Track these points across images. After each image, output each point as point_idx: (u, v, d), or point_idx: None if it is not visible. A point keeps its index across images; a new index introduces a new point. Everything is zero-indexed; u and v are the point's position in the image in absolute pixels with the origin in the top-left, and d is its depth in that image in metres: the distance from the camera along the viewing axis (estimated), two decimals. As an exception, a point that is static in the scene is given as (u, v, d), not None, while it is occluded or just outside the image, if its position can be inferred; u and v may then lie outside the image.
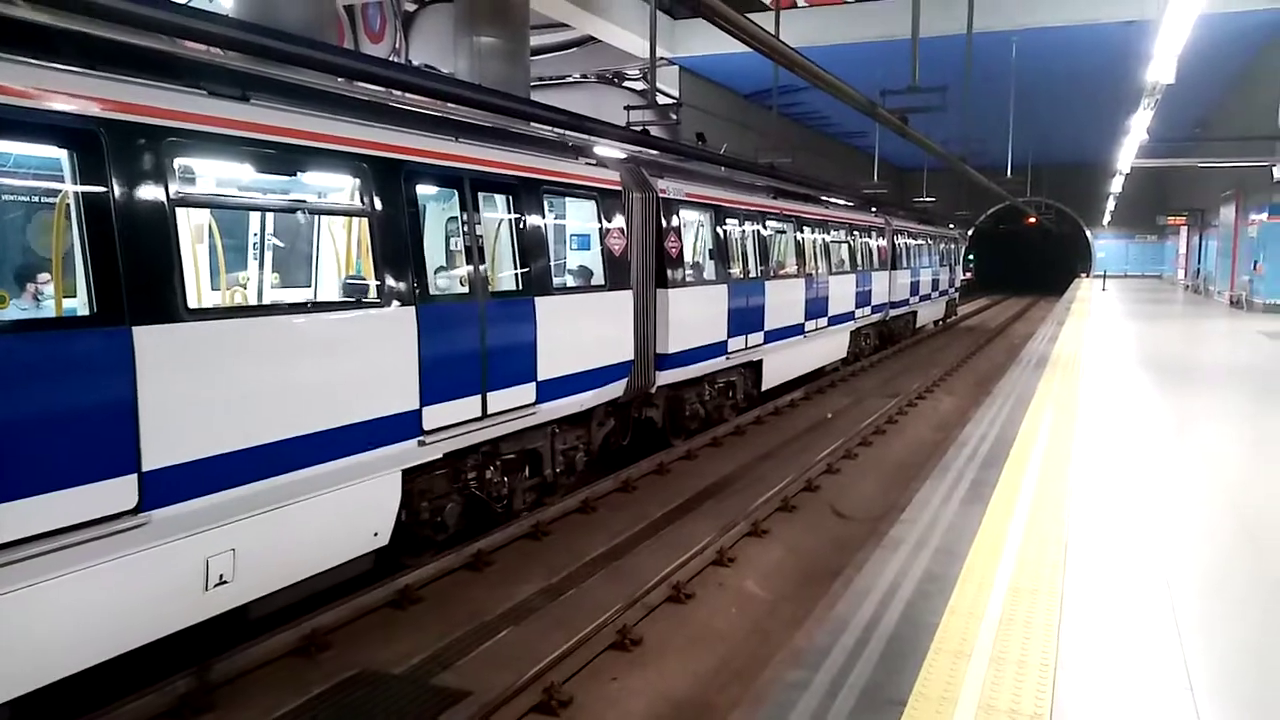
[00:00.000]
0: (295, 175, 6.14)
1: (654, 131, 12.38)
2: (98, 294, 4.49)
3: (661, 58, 22.62)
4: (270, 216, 7.46)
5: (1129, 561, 5.40)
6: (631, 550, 7.84)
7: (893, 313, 22.77)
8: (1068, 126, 35.26)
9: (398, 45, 22.43)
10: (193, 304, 5.29)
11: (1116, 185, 34.12)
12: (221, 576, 5.20)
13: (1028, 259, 58.93)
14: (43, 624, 4.36)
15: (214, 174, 6.10)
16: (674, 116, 14.71)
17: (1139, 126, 18.80)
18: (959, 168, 20.87)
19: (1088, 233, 53.98)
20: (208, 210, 6.62)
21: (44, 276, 5.45)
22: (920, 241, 26.03)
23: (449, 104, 7.30)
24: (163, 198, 4.83)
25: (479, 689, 5.22)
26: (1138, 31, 17.07)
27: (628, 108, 13.86)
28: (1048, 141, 37.31)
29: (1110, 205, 44.43)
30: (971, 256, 54.63)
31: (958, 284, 34.51)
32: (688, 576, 7.04)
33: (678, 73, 25.16)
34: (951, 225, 34.68)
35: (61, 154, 4.52)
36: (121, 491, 4.56)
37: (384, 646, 5.94)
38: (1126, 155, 23.04)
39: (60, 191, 4.68)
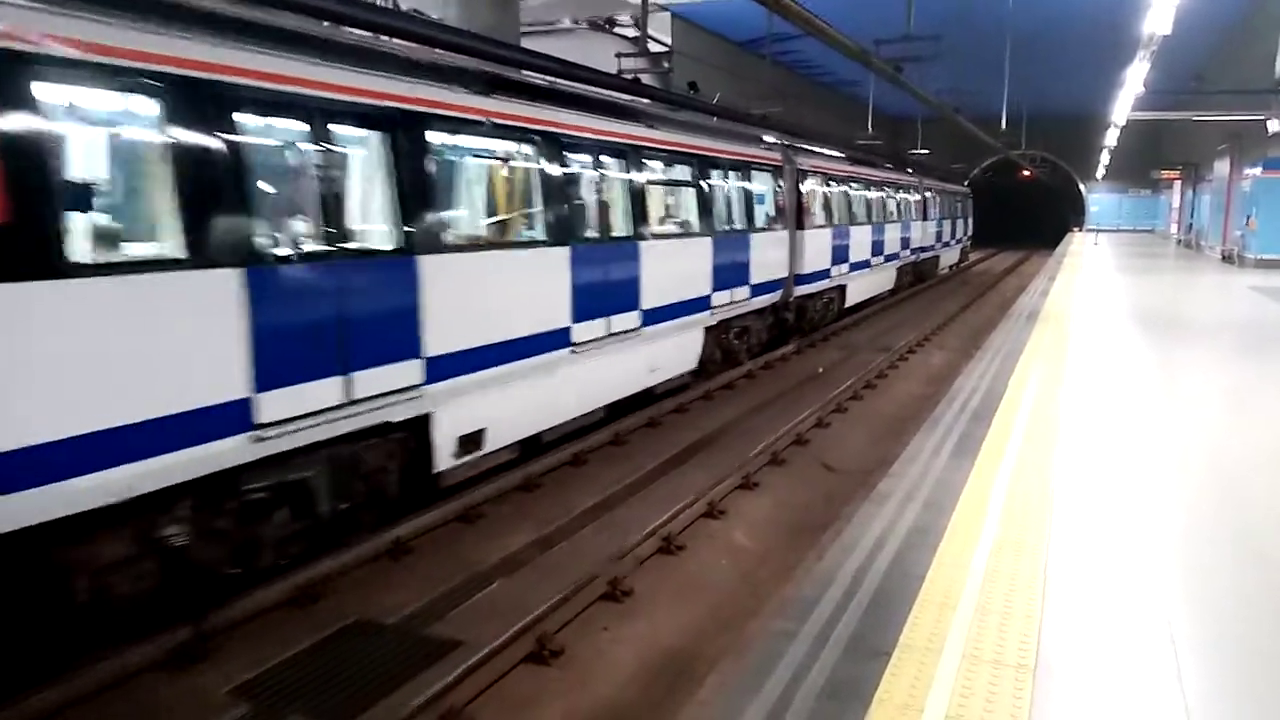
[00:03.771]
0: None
1: (645, 79, 12.23)
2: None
3: (654, 3, 22.21)
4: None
5: (1114, 515, 5.45)
6: (622, 503, 7.89)
7: (923, 255, 27.66)
8: (1063, 78, 34.86)
9: (386, -10, 21.93)
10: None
11: (1111, 138, 33.91)
12: (653, 368, 10.30)
13: (1020, 213, 58.69)
14: (608, 374, 9.31)
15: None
16: (666, 65, 14.52)
17: (1135, 78, 18.65)
18: (952, 118, 20.68)
19: (1081, 186, 53.75)
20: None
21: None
22: (942, 197, 30.81)
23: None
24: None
25: (471, 639, 5.27)
26: (1136, -20, 16.83)
27: (619, 55, 13.65)
28: (1043, 93, 36.88)
29: (1104, 159, 44.22)
30: None
31: (970, 233, 39.81)
32: (678, 528, 7.10)
33: (670, 19, 24.74)
34: (966, 182, 37.52)
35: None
36: (635, 319, 9.58)
37: (376, 598, 5.99)
38: (1122, 108, 22.88)
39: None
